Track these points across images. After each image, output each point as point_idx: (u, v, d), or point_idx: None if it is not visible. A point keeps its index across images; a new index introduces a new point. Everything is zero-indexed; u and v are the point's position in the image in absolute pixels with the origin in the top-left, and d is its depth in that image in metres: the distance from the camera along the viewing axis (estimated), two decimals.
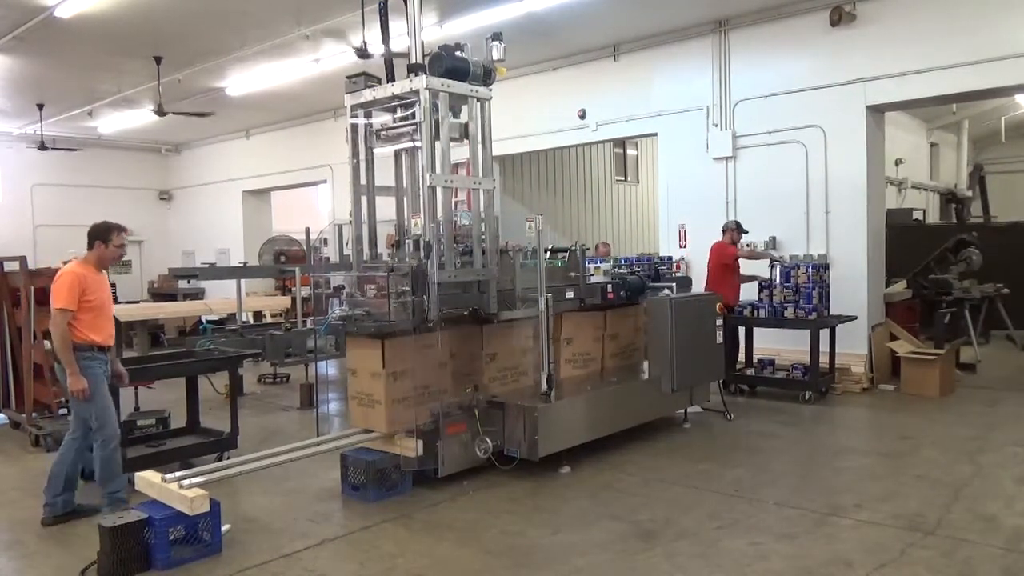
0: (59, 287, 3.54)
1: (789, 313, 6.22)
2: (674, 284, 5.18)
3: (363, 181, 4.34)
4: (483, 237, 4.20)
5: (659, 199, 8.31)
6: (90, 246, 3.66)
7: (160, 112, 8.61)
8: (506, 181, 9.93)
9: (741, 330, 6.40)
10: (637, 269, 5.47)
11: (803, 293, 6.20)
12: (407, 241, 4.16)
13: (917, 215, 10.29)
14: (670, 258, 6.57)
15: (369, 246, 4.37)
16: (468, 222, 4.31)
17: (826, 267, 6.44)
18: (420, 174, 4.09)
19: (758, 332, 6.64)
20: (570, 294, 4.76)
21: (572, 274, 4.84)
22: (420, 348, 3.98)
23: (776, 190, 7.09)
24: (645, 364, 5.23)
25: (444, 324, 3.96)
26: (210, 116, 9.29)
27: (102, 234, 3.67)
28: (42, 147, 10.65)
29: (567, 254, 4.99)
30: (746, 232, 6.60)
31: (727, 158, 7.40)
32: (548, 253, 5.28)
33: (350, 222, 4.32)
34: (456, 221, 4.32)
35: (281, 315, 9.41)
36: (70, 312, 3.53)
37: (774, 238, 7.16)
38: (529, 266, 4.36)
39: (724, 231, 6.56)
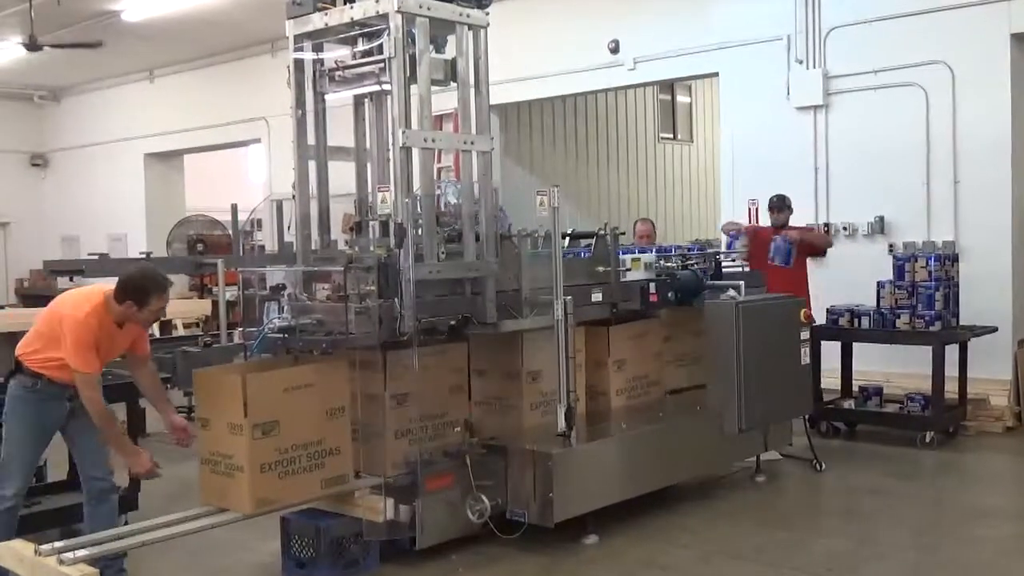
0: (77, 343, 3.57)
1: (903, 322, 6.19)
2: (742, 283, 5.13)
3: (311, 140, 4.35)
4: (477, 218, 4.22)
5: (720, 165, 8.35)
6: (119, 299, 3.65)
7: (32, 45, 8.64)
8: (509, 140, 9.98)
9: (825, 346, 6.39)
10: (691, 261, 5.40)
11: (922, 295, 6.17)
12: (372, 224, 4.18)
13: None
14: (782, 240, 6.49)
15: (320, 230, 4.37)
16: (456, 198, 4.31)
17: (954, 259, 6.43)
18: (390, 130, 4.11)
19: (859, 349, 6.65)
20: (598, 296, 4.76)
21: (600, 268, 4.84)
22: (399, 368, 4.01)
23: (884, 152, 7.11)
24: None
25: (423, 338, 3.98)
26: (99, 47, 9.28)
27: (138, 295, 3.65)
28: None
29: (593, 240, 5.00)
30: (787, 211, 6.59)
31: (815, 107, 7.42)
32: (567, 239, 5.26)
33: (293, 197, 4.33)
34: (440, 196, 4.34)
35: (198, 325, 9.45)
36: (98, 376, 3.66)
37: (881, 218, 7.18)
38: (541, 258, 4.40)
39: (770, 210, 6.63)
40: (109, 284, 3.75)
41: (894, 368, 6.74)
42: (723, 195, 8.05)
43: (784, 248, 6.13)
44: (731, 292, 5.03)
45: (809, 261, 6.66)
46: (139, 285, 3.67)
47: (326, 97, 4.35)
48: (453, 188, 4.36)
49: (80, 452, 3.93)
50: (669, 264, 5.26)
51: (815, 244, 6.62)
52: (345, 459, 3.94)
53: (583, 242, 5.41)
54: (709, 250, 5.92)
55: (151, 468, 3.77)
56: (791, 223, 6.67)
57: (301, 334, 3.90)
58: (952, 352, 6.19)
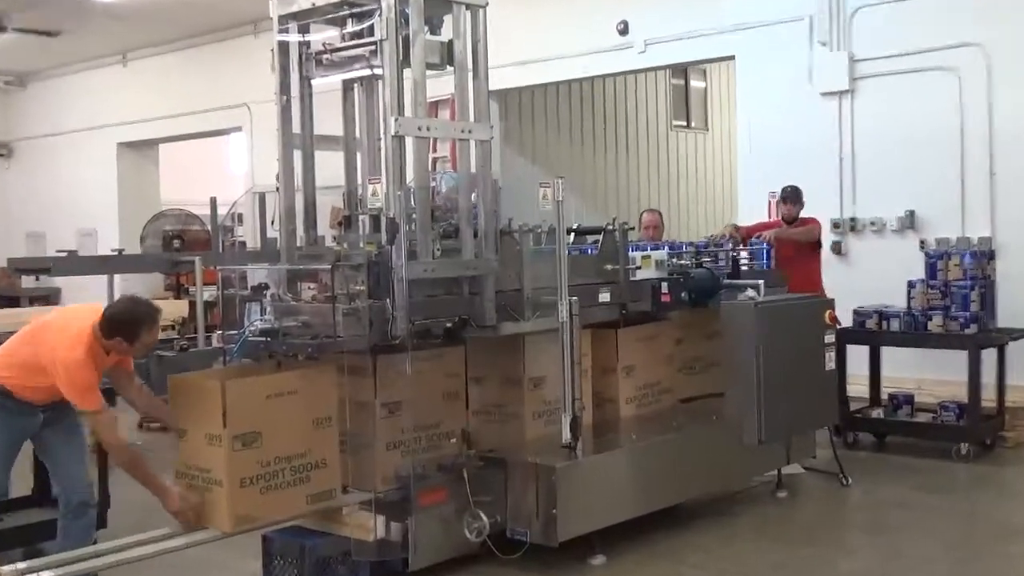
0: (81, 386, 3.59)
1: (935, 325, 6.18)
2: (761, 282, 5.13)
3: (296, 128, 4.38)
4: (475, 212, 4.23)
5: (738, 154, 8.32)
6: (107, 335, 3.66)
7: None
8: (510, 128, 9.99)
9: (852, 350, 6.37)
10: (706, 259, 5.42)
11: (956, 295, 6.15)
12: (362, 218, 4.20)
13: None
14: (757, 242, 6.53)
15: (305, 225, 4.39)
16: (452, 191, 4.34)
17: (990, 256, 6.44)
18: (381, 118, 4.12)
19: (889, 354, 6.64)
20: (605, 296, 4.77)
21: (608, 266, 4.86)
22: (391, 374, 4.02)
23: (914, 141, 7.09)
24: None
25: (417, 341, 3.99)
26: (60, 36, 9.25)
27: (127, 331, 3.67)
28: None
29: (601, 237, 5.02)
30: (800, 204, 6.59)
31: (840, 93, 7.42)
32: (573, 235, 5.29)
33: (277, 189, 4.35)
34: (436, 188, 4.35)
35: (174, 327, 9.43)
36: (110, 413, 3.69)
37: (912, 213, 7.17)
38: (544, 255, 4.41)
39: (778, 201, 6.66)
40: (93, 308, 3.76)
41: (926, 374, 6.73)
42: (740, 188, 8.08)
43: (761, 251, 6.04)
44: (750, 292, 5.02)
45: (828, 256, 6.63)
46: (127, 319, 3.69)
47: (313, 82, 4.36)
48: (450, 179, 4.39)
49: (56, 463, 3.93)
50: (682, 262, 5.27)
51: (795, 239, 6.52)
52: (332, 473, 3.93)
53: (589, 238, 5.41)
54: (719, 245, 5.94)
55: (183, 511, 3.67)
56: (802, 216, 6.67)
57: (285, 337, 3.89)
58: (989, 357, 6.14)
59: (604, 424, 4.91)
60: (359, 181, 4.46)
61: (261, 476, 3.69)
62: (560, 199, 4.20)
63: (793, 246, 6.40)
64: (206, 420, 3.66)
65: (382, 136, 4.11)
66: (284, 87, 4.30)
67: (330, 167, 4.50)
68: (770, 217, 6.86)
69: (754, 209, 7.36)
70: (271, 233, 5.08)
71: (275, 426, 3.72)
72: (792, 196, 6.63)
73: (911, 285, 6.33)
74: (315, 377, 3.90)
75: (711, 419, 5.08)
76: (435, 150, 8.17)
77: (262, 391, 3.74)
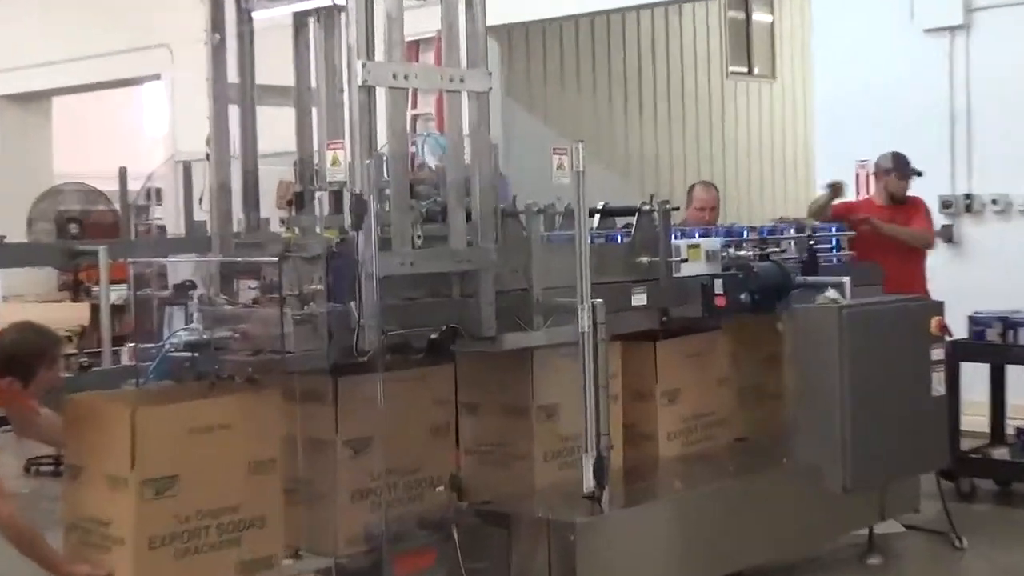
0: None
1: None
2: (846, 279, 5.14)
3: (233, 77, 4.39)
4: (468, 187, 4.23)
5: (815, 111, 8.36)
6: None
7: None
8: (514, 77, 10.01)
9: (967, 370, 6.38)
10: (773, 248, 5.43)
11: None
12: (318, 195, 4.22)
13: None
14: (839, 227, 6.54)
15: (245, 205, 4.41)
16: (438, 159, 4.32)
17: None
18: (345, 63, 4.12)
19: (1016, 375, 6.65)
20: (640, 298, 4.79)
21: (644, 259, 4.87)
22: (357, 402, 4.03)
23: None
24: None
25: (392, 358, 3.99)
26: None
27: (21, 369, 3.74)
28: None
29: (634, 219, 5.02)
30: (916, 175, 6.54)
31: (951, 29, 7.45)
32: (597, 217, 5.26)
33: (207, 157, 4.36)
34: (416, 156, 4.36)
35: (71, 339, 9.44)
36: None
37: None
38: (559, 244, 4.39)
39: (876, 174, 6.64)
40: None
41: None
42: (818, 154, 8.11)
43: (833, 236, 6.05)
44: (831, 292, 5.03)
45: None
46: (17, 356, 3.75)
47: (254, 15, 4.36)
48: (435, 145, 4.39)
49: None
50: (742, 252, 5.29)
51: (901, 238, 6.54)
52: (273, 532, 3.91)
53: (620, 221, 5.42)
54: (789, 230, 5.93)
55: None
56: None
57: (217, 353, 3.89)
58: None
59: (639, 467, 4.91)
60: (315, 147, 4.47)
61: (178, 535, 3.65)
62: (580, 169, 4.17)
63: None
64: (108, 457, 3.64)
65: (345, 87, 4.11)
66: (216, 23, 4.28)
67: (277, 128, 4.51)
68: (858, 195, 6.85)
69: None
70: (199, 215, 5.05)
71: (199, 469, 3.68)
72: (899, 166, 6.58)
73: None
74: (255, 406, 3.87)
75: (780, 461, 5.10)
76: (415, 105, 8.19)
77: (184, 423, 3.71)
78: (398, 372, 4.11)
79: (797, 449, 5.03)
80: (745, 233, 5.64)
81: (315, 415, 4.05)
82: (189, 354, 3.89)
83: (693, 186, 7.40)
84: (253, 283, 4.08)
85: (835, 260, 5.83)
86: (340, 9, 4.15)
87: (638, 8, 9.92)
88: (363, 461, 4.09)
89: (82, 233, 8.36)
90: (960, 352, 6.13)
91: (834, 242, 5.97)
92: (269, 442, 3.90)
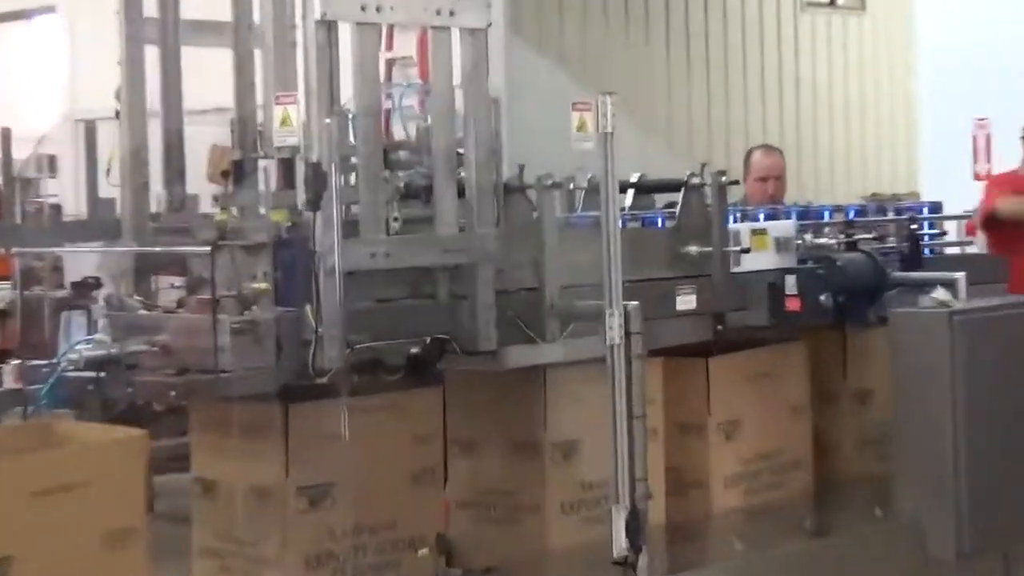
0: None
1: None
2: (960, 276, 5.16)
3: (151, 11, 4.39)
4: (460, 155, 4.26)
5: (917, 54, 8.36)
6: None
7: None
8: (522, 8, 10.01)
9: None
10: (863, 234, 5.46)
11: None
12: (263, 165, 4.23)
13: None
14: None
15: (167, 177, 4.44)
16: (422, 116, 4.34)
17: None
18: None
19: None
20: (689, 300, 4.83)
21: (693, 249, 4.89)
22: (314, 437, 4.05)
23: None
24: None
25: (360, 380, 3.99)
26: None
27: None
28: None
29: (680, 196, 5.04)
30: None
31: None
32: (632, 194, 5.30)
33: (117, 115, 4.36)
34: (392, 113, 4.39)
35: None
36: None
37: None
38: (580, 229, 4.44)
39: None
40: None
41: None
42: (923, 110, 8.10)
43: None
44: (940, 293, 5.06)
45: None
46: None
47: None
48: (413, 100, 4.42)
49: None
50: (823, 240, 5.30)
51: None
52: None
53: (660, 199, 5.44)
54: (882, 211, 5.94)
55: None
56: None
57: (130, 372, 3.91)
58: None
59: (687, 524, 4.92)
60: (258, 101, 4.47)
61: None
62: (609, 130, 4.10)
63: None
64: None
65: (298, 22, 4.11)
66: None
67: (209, 77, 4.52)
68: (981, 162, 6.84)
69: (948, 147, 7.37)
70: (106, 190, 5.05)
71: (40, 545, 3.56)
72: None
73: None
74: (121, 456, 3.76)
75: (872, 515, 5.10)
76: (390, 47, 8.16)
77: (23, 483, 3.52)
78: (368, 398, 4.12)
79: (896, 500, 5.02)
80: (826, 215, 5.66)
81: (258, 454, 4.05)
82: (92, 374, 3.89)
83: (752, 151, 7.46)
84: (177, 280, 4.09)
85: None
86: None
87: None
88: (322, 515, 4.10)
89: None
90: None
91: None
92: (132, 505, 3.80)
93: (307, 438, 4.07)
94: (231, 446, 4.10)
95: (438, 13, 4.21)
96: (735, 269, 4.91)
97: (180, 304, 4.06)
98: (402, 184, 4.17)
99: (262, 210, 4.14)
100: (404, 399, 4.31)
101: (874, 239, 5.47)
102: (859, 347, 5.54)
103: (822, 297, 5.02)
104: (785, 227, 5.15)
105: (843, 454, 5.65)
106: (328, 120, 3.90)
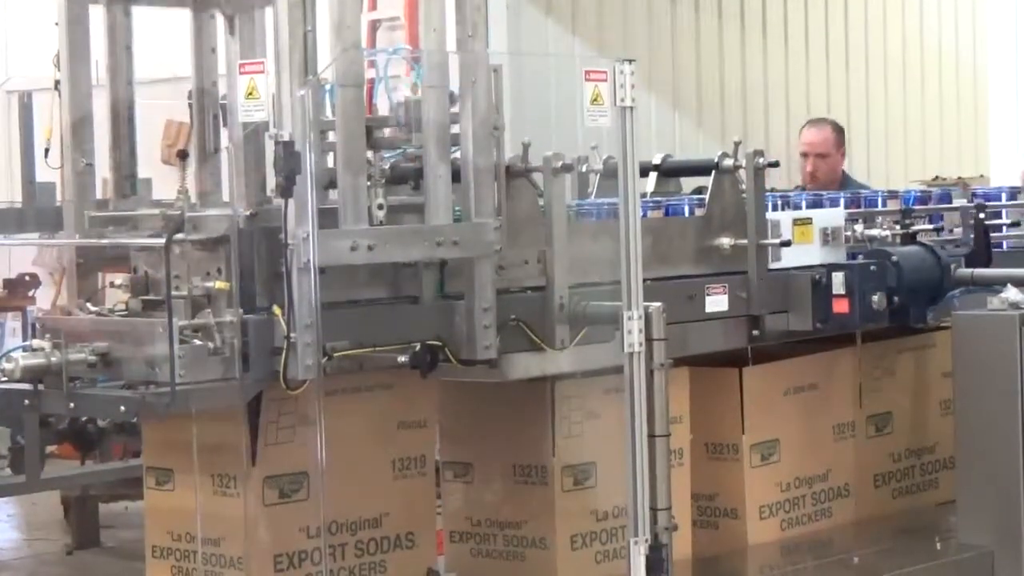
0: None
1: None
2: None
3: None
4: (454, 134, 4.28)
5: (984, 24, 8.22)
6: None
7: None
8: None
9: None
10: (923, 225, 5.55)
11: None
12: (225, 146, 4.21)
13: None
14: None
15: (113, 158, 4.51)
16: (409, 89, 4.39)
17: None
18: None
19: None
20: (720, 300, 4.91)
21: (725, 241, 4.95)
22: (287, 458, 4.20)
23: None
24: None
25: (341, 392, 4.18)
26: None
27: None
28: None
29: (710, 180, 5.11)
30: None
31: None
32: (655, 177, 5.34)
33: (56, 86, 4.42)
34: (376, 85, 4.49)
35: None
36: None
37: None
38: (594, 219, 4.53)
39: None
40: None
41: None
42: (991, 83, 8.02)
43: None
44: (1011, 292, 5.07)
45: None
46: None
47: None
48: (401, 68, 4.45)
49: None
50: (876, 231, 5.38)
51: None
52: None
53: (688, 184, 5.45)
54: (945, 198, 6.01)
55: None
56: None
57: (72, 384, 3.92)
58: None
59: (717, 559, 5.03)
60: (221, 69, 4.48)
61: None
62: (629, 104, 4.12)
63: None
64: None
65: None
66: None
67: (163, 42, 4.51)
68: None
69: (1021, 126, 7.41)
70: (44, 173, 5.00)
71: None
72: None
73: None
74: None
75: (933, 546, 5.20)
76: (374, 6, 8.15)
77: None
78: (350, 412, 4.28)
79: (960, 531, 5.13)
80: (880, 201, 5.74)
81: (219, 440, 4.14)
82: (29, 387, 3.95)
83: (804, 127, 7.73)
84: (122, 278, 4.13)
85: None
86: None
87: None
88: (293, 509, 4.26)
89: None
90: None
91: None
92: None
93: (278, 459, 4.21)
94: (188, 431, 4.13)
95: None
96: (774, 265, 5.00)
97: (127, 306, 4.09)
98: (387, 166, 4.25)
99: (224, 196, 4.24)
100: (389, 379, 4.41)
101: (935, 230, 5.54)
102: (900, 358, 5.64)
103: (875, 297, 5.04)
104: (833, 216, 5.22)
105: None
106: (301, 91, 3.93)
